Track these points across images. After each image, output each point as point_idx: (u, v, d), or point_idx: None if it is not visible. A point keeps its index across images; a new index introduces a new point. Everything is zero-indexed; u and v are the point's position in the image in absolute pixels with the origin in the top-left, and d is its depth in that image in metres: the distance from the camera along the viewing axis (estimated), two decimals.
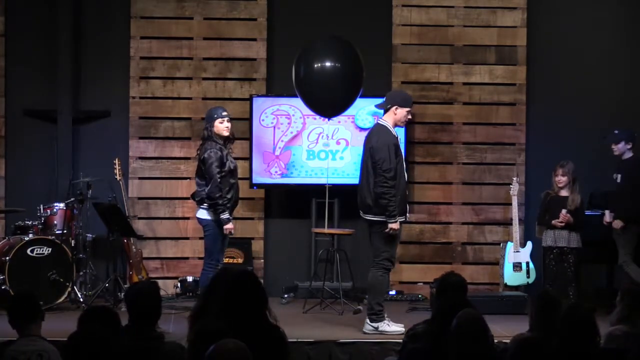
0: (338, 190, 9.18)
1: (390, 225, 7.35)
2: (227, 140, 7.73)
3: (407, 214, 7.69)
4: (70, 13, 9.53)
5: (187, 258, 9.65)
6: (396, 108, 7.50)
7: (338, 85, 7.95)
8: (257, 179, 9.47)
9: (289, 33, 9.72)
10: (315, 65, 7.95)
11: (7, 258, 8.33)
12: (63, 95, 9.53)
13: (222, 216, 7.57)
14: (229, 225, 7.60)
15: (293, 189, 9.61)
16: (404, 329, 7.27)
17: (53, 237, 8.61)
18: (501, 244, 9.34)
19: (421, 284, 9.64)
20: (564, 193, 8.45)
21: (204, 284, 7.37)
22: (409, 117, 7.66)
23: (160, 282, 9.05)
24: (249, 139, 9.45)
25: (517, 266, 9.06)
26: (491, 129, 9.82)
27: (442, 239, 9.81)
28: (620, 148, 8.48)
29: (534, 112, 9.87)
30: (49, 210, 8.80)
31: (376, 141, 7.44)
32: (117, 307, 7.70)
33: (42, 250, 8.48)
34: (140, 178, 9.66)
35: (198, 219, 7.72)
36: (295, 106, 9.30)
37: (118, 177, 9.14)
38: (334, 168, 9.36)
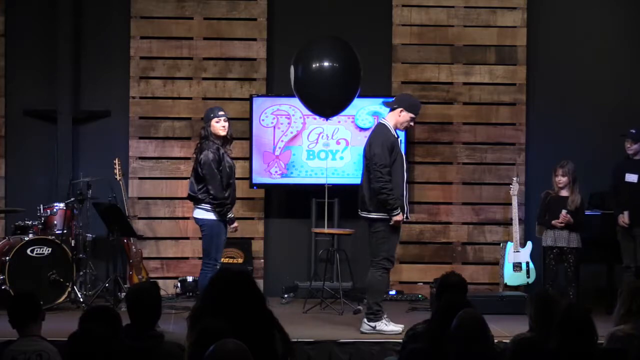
0: (338, 190, 9.19)
1: (394, 218, 7.36)
2: (225, 140, 7.72)
3: (408, 214, 7.69)
4: (70, 13, 9.54)
5: (187, 258, 9.65)
6: (401, 110, 7.53)
7: (336, 85, 7.94)
8: (257, 179, 9.47)
9: (289, 33, 9.72)
10: (313, 65, 7.95)
11: (7, 258, 8.33)
12: (63, 95, 9.53)
13: (229, 216, 7.60)
14: (235, 224, 7.68)
15: (293, 189, 9.61)
16: (401, 329, 7.28)
17: (53, 237, 8.61)
18: (501, 244, 9.35)
19: (421, 284, 9.64)
20: (564, 193, 8.45)
21: (203, 284, 7.38)
22: (412, 124, 7.69)
23: (160, 282, 9.06)
24: (249, 139, 9.45)
25: (517, 266, 9.07)
26: (491, 129, 9.82)
27: (442, 239, 9.81)
28: (636, 148, 8.46)
29: (534, 112, 9.87)
30: (49, 210, 8.80)
31: (373, 139, 7.50)
32: (117, 307, 7.69)
33: (42, 250, 8.48)
34: (140, 178, 9.66)
35: (195, 219, 7.72)
36: (295, 106, 9.29)
37: (118, 177, 9.14)
38: (333, 168, 9.36)
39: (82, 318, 4.41)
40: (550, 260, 8.42)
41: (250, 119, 9.43)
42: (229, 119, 7.76)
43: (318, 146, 9.47)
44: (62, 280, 8.45)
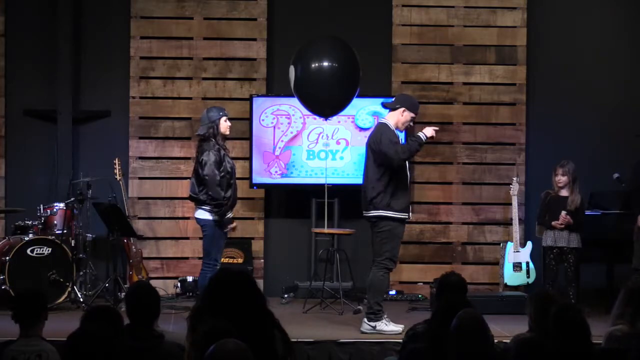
0: (338, 190, 9.19)
1: (427, 135, 7.43)
2: (225, 139, 7.76)
3: (410, 214, 7.69)
4: (70, 13, 9.54)
5: (187, 258, 9.65)
6: (404, 110, 7.54)
7: (335, 85, 7.94)
8: (257, 179, 9.47)
9: (289, 33, 9.73)
10: (312, 66, 7.95)
11: (7, 258, 8.33)
12: (63, 95, 9.53)
13: (228, 215, 7.61)
14: (234, 224, 7.69)
15: (293, 188, 9.61)
16: (401, 329, 7.28)
17: (53, 237, 8.61)
18: (501, 244, 9.35)
19: (421, 284, 9.64)
20: (564, 193, 8.44)
21: (203, 284, 7.38)
22: (411, 124, 7.70)
23: (160, 282, 9.10)
24: (249, 139, 9.45)
25: (517, 266, 9.07)
26: (491, 129, 9.82)
27: (442, 239, 9.81)
28: None
29: (534, 112, 9.87)
30: (49, 210, 8.80)
31: (378, 136, 7.46)
32: (117, 307, 7.70)
33: (42, 250, 8.49)
34: (140, 178, 9.66)
35: (197, 219, 7.73)
36: (295, 106, 9.29)
37: (118, 177, 9.14)
38: (333, 168, 9.36)
39: (84, 318, 4.41)
40: (550, 260, 8.42)
41: (250, 119, 9.43)
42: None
43: (318, 146, 9.47)
44: (62, 280, 8.46)
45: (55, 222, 8.77)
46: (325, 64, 7.94)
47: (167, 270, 9.65)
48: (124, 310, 4.64)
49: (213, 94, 9.67)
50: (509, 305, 8.42)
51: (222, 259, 8.03)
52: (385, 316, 7.47)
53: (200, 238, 8.10)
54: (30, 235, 8.56)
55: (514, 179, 9.30)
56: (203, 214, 7.62)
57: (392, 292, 9.48)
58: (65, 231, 8.70)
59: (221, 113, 7.70)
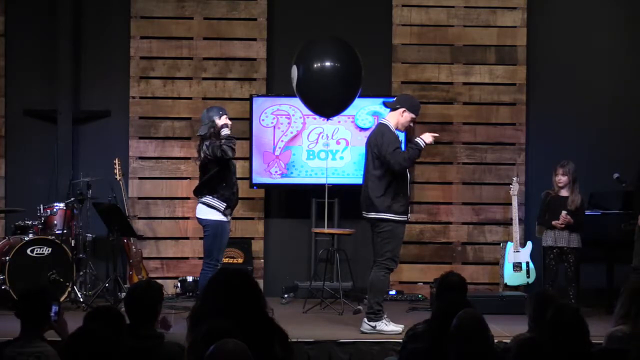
0: (338, 190, 9.19)
1: (426, 141, 7.43)
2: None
3: (409, 215, 7.69)
4: (70, 13, 9.54)
5: (187, 258, 9.65)
6: (404, 111, 7.52)
7: (337, 85, 7.94)
8: (257, 179, 9.47)
9: (289, 33, 9.73)
10: (315, 66, 7.95)
11: (7, 258, 8.33)
12: (63, 95, 9.53)
13: (228, 219, 7.59)
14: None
15: (293, 189, 9.61)
16: (401, 329, 7.28)
17: (53, 237, 8.61)
18: (501, 244, 9.35)
19: (421, 284, 9.65)
20: (564, 193, 8.44)
21: (203, 284, 7.38)
22: (412, 124, 7.68)
23: (160, 282, 9.07)
24: (249, 139, 9.45)
25: (517, 266, 9.07)
26: (491, 129, 9.82)
27: (442, 239, 9.81)
28: None
29: (534, 112, 9.88)
30: (49, 210, 8.80)
31: (379, 137, 7.45)
32: (117, 307, 7.69)
33: (42, 250, 8.49)
34: (140, 178, 9.66)
35: (198, 218, 7.72)
36: (295, 106, 9.30)
37: (118, 177, 9.14)
38: (333, 168, 9.36)
39: (86, 318, 4.41)
40: (550, 260, 8.42)
41: (250, 119, 9.43)
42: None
43: (318, 146, 9.47)
44: (62, 280, 8.46)
45: (55, 222, 8.77)
46: (328, 64, 7.93)
47: (167, 270, 9.65)
48: (124, 310, 4.63)
49: (213, 94, 9.67)
50: (509, 305, 8.42)
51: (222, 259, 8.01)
52: (385, 316, 7.47)
53: (201, 238, 8.09)
54: (30, 235, 8.56)
55: (514, 179, 9.30)
56: (205, 213, 7.61)
57: (392, 292, 9.48)
58: (65, 231, 8.70)
59: (220, 112, 7.70)
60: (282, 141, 9.47)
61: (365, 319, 7.46)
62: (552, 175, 8.53)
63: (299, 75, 7.95)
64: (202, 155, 7.61)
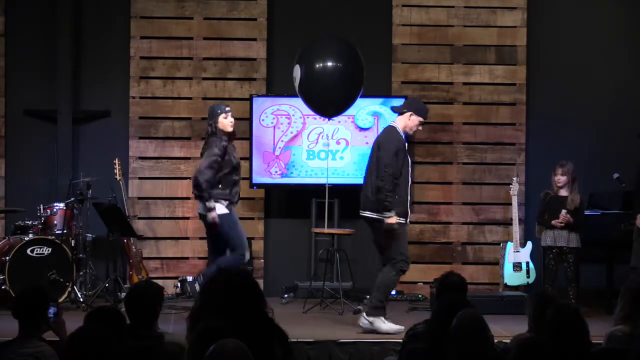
0: (338, 190, 9.18)
1: (387, 221, 7.37)
2: (231, 136, 7.76)
3: (409, 217, 7.69)
4: (70, 13, 9.54)
5: (187, 258, 9.65)
6: (411, 114, 7.57)
7: (339, 85, 7.94)
8: (257, 179, 9.47)
9: (289, 33, 9.73)
10: (317, 66, 7.95)
11: (7, 258, 8.33)
12: (63, 95, 9.53)
13: (208, 204, 7.55)
14: (213, 214, 7.56)
15: (293, 189, 9.61)
16: (398, 330, 7.27)
17: (53, 237, 8.61)
18: (501, 244, 9.35)
19: (421, 284, 9.64)
20: (563, 193, 8.44)
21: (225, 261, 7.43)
22: (420, 128, 7.73)
23: (160, 282, 9.07)
24: (249, 139, 9.45)
25: (517, 266, 9.07)
26: (491, 129, 9.82)
27: (442, 239, 9.81)
28: None
29: (534, 112, 9.87)
30: (49, 210, 8.80)
31: (384, 141, 7.53)
32: (117, 307, 7.69)
33: (42, 250, 8.49)
34: (140, 178, 9.66)
35: (200, 214, 7.73)
36: (295, 106, 9.30)
37: (118, 177, 9.14)
38: (334, 168, 9.36)
39: (86, 318, 4.41)
40: (549, 260, 8.42)
41: (250, 119, 9.43)
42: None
43: (318, 146, 9.47)
44: (62, 280, 8.46)
45: (55, 222, 8.77)
46: (330, 64, 7.93)
47: (167, 270, 9.65)
48: (124, 310, 4.63)
49: (213, 94, 9.67)
50: (509, 305, 8.42)
51: None
52: (386, 316, 7.47)
53: (201, 238, 8.10)
54: (30, 235, 8.56)
55: (514, 179, 9.30)
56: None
57: (392, 292, 9.45)
58: (65, 231, 8.70)
59: (219, 110, 7.72)
60: (282, 141, 9.47)
61: (364, 314, 7.47)
62: (551, 175, 8.53)
63: (301, 75, 7.95)
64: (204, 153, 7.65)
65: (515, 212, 9.19)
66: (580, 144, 9.69)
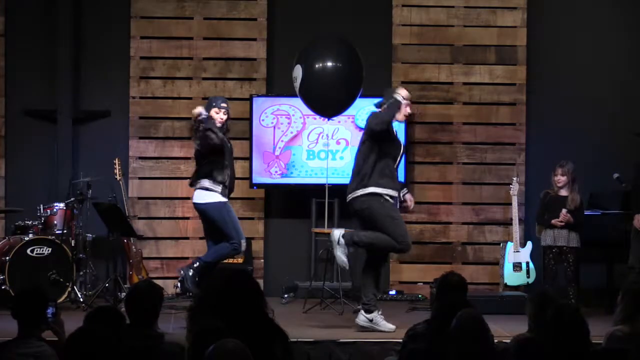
0: (338, 190, 9.16)
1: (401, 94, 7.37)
2: (222, 130, 7.79)
3: (401, 194, 7.61)
4: (70, 13, 9.54)
5: (187, 258, 9.63)
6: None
7: (338, 85, 7.94)
8: (257, 179, 9.47)
9: (289, 33, 9.73)
10: (316, 66, 7.94)
11: (7, 258, 8.33)
12: (63, 95, 9.54)
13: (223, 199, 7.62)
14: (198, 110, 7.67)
15: (293, 189, 9.61)
16: (394, 328, 7.28)
17: (53, 237, 8.61)
18: (501, 244, 9.34)
19: (421, 284, 9.64)
20: (563, 193, 8.45)
21: (215, 257, 7.47)
22: (408, 111, 7.62)
23: (160, 282, 9.08)
24: (249, 139, 9.45)
25: (517, 266, 9.07)
26: (491, 129, 9.82)
27: (442, 239, 9.81)
28: None
29: (534, 112, 9.87)
30: (49, 210, 8.80)
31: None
32: (117, 307, 7.69)
33: (42, 250, 8.49)
34: (140, 178, 9.66)
35: (196, 205, 7.73)
36: (295, 106, 9.30)
37: (118, 177, 9.15)
38: (333, 168, 9.36)
39: (86, 318, 4.41)
40: (549, 260, 8.42)
41: (250, 119, 9.44)
42: (228, 112, 7.81)
43: (318, 146, 9.47)
44: (62, 280, 8.46)
45: (55, 222, 8.77)
46: (330, 64, 7.92)
47: (167, 270, 9.65)
48: (124, 310, 4.63)
49: (213, 94, 9.63)
50: (509, 305, 8.41)
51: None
52: (379, 312, 7.46)
53: (201, 238, 8.11)
54: (30, 235, 8.56)
55: (514, 179, 9.29)
56: (202, 197, 7.63)
57: (392, 292, 9.49)
58: (65, 231, 8.70)
59: (214, 103, 7.78)
60: (282, 141, 9.47)
61: (362, 311, 7.45)
62: (551, 175, 8.53)
63: (302, 74, 7.93)
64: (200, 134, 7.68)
65: (515, 212, 9.19)
66: (580, 144, 9.69)
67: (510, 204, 9.29)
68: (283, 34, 9.79)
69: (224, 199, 7.71)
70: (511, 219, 9.29)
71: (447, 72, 9.81)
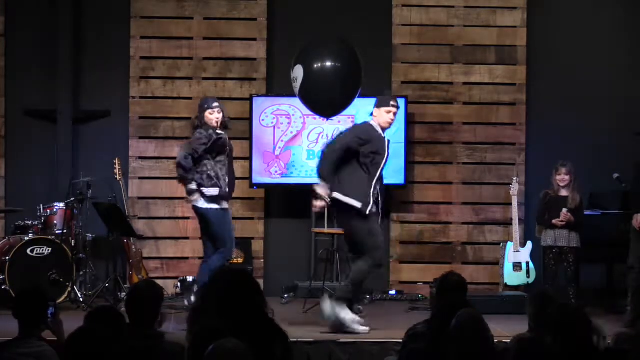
0: None
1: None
2: (223, 127, 7.77)
3: (380, 215, 7.55)
4: (70, 13, 9.54)
5: (187, 258, 9.65)
6: (378, 110, 7.53)
7: (337, 85, 7.92)
8: (257, 179, 9.47)
9: (289, 33, 9.73)
10: (315, 66, 7.93)
11: (7, 258, 8.33)
12: (63, 95, 9.54)
13: (189, 186, 7.62)
14: (194, 197, 7.64)
15: (293, 188, 9.61)
16: (362, 329, 7.26)
17: (53, 237, 8.61)
18: (501, 244, 9.34)
19: (421, 284, 9.64)
20: (563, 193, 8.45)
21: (207, 273, 7.44)
22: (392, 117, 7.56)
23: (160, 282, 9.08)
24: (249, 139, 9.45)
25: (517, 266, 9.07)
26: (491, 129, 9.82)
27: (442, 239, 9.81)
28: None
29: (534, 112, 9.88)
30: (49, 210, 8.80)
31: (352, 128, 7.61)
32: (117, 307, 7.69)
33: (42, 250, 8.48)
34: (140, 178, 9.66)
35: (194, 207, 7.73)
36: (295, 106, 9.30)
37: (118, 177, 9.15)
38: None
39: (86, 318, 4.41)
40: (549, 260, 8.42)
41: (250, 119, 9.44)
42: (222, 110, 7.80)
43: (318, 146, 9.47)
44: (62, 280, 8.45)
45: (55, 222, 8.77)
46: (329, 64, 7.91)
47: (167, 270, 9.65)
48: (124, 310, 4.63)
49: (213, 94, 9.64)
50: (509, 305, 8.42)
51: None
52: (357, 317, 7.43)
53: (201, 238, 8.10)
54: (30, 235, 8.56)
55: (514, 179, 9.29)
56: (204, 203, 7.63)
57: (392, 292, 9.49)
58: (65, 231, 8.70)
59: (206, 105, 7.77)
60: (282, 141, 9.47)
61: (334, 299, 7.41)
62: (552, 175, 8.52)
63: (302, 74, 7.91)
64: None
65: (515, 212, 9.19)
66: (580, 144, 9.69)
67: (510, 204, 9.29)
68: (283, 34, 9.80)
69: (225, 206, 7.69)
70: (511, 219, 9.29)
71: (447, 72, 9.81)
